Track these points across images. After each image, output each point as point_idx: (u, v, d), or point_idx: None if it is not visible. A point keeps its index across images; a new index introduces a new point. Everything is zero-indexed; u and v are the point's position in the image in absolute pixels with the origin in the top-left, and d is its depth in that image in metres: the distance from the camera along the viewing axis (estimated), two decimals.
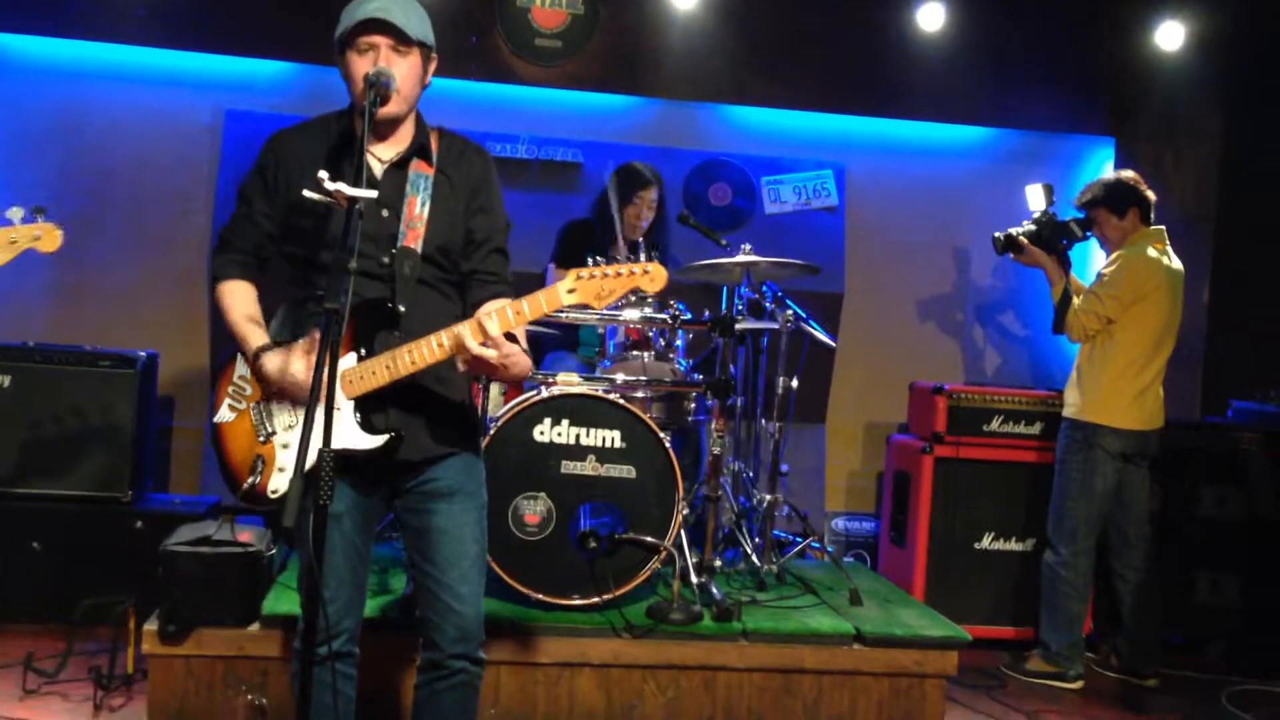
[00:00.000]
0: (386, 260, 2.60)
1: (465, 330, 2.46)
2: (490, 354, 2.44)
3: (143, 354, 4.60)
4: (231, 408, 2.72)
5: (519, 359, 2.52)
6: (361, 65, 2.56)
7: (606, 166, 5.07)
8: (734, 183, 5.68)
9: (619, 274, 2.45)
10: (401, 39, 2.60)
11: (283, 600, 3.78)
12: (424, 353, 2.51)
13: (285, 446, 2.66)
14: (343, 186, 2.41)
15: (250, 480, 2.66)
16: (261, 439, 2.68)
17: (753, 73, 5.62)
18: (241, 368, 2.72)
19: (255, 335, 2.67)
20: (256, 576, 3.76)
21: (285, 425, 2.66)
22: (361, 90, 2.53)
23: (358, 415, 2.58)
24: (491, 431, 3.93)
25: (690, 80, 5.57)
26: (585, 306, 2.47)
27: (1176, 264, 4.61)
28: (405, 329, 2.58)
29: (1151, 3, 5.58)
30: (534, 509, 3.93)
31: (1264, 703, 4.52)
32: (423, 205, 2.63)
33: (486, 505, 2.80)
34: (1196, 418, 5.68)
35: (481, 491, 2.79)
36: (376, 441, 2.58)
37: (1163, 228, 4.64)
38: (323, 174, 2.46)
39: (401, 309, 2.57)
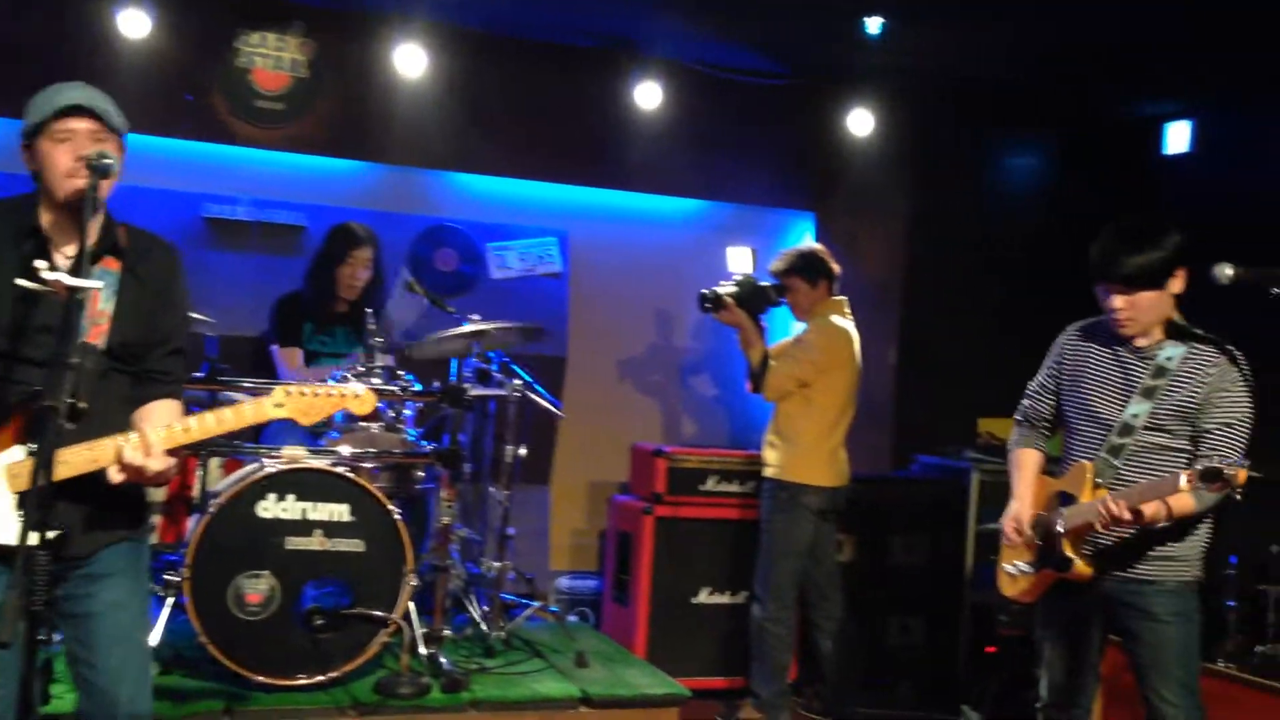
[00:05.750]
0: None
1: (126, 448, 2.42)
2: (153, 466, 2.43)
3: None
4: None
5: (171, 471, 2.52)
6: (59, 153, 2.52)
7: None
8: (460, 248, 5.75)
9: (329, 395, 2.54)
10: (105, 125, 2.57)
11: None
12: (77, 463, 2.44)
13: None
14: (63, 276, 2.37)
15: None
16: None
17: (479, 141, 5.71)
18: None
19: None
20: None
21: None
22: (62, 177, 2.51)
23: (21, 511, 2.41)
24: (211, 509, 3.83)
25: (416, 147, 5.60)
26: (292, 421, 2.52)
27: (855, 331, 5.03)
28: (85, 423, 2.45)
29: (844, 92, 6.07)
30: (256, 588, 3.85)
31: None
32: (107, 301, 2.59)
33: (149, 595, 2.77)
34: (886, 472, 6.19)
35: (145, 576, 2.74)
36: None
37: (845, 298, 5.06)
38: (40, 263, 2.43)
39: (82, 405, 2.42)
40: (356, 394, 2.57)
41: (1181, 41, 5.22)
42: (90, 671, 2.60)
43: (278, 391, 2.51)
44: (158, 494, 4.31)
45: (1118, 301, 3.14)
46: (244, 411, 2.49)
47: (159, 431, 2.45)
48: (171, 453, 2.47)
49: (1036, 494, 3.39)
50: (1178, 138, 6.35)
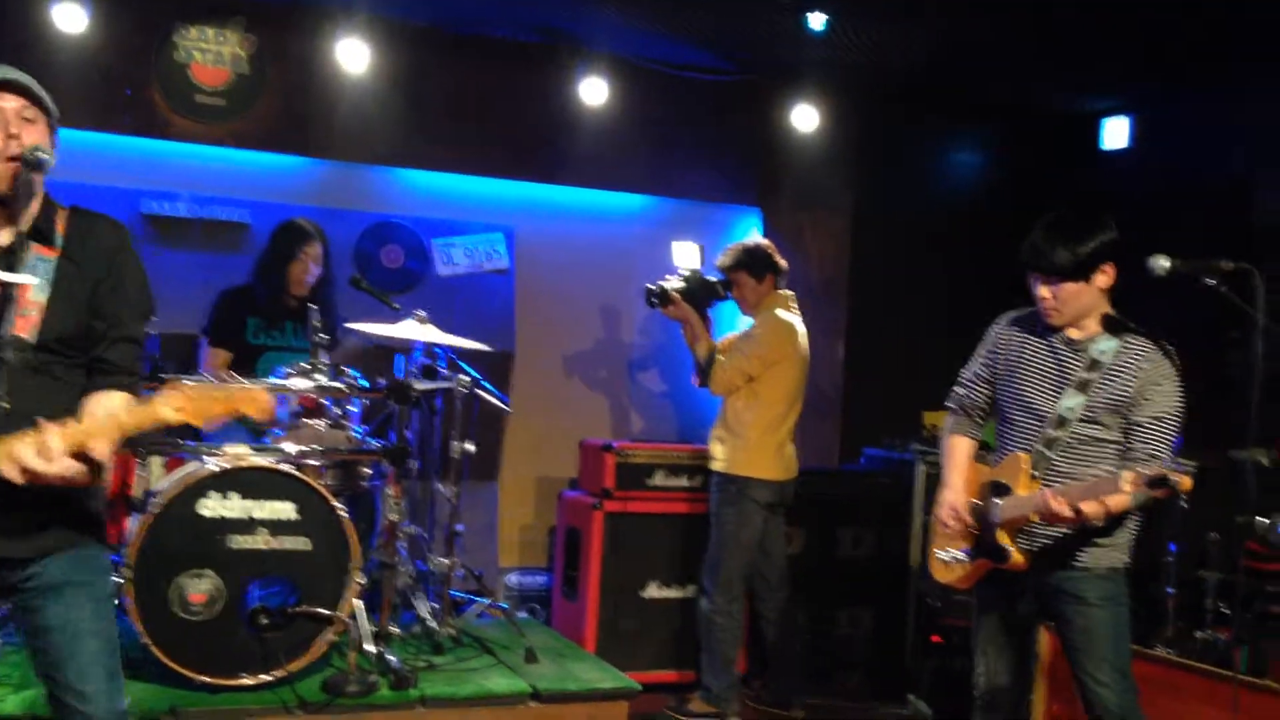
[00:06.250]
0: None
1: (23, 450, 2.29)
2: (51, 470, 2.30)
3: None
4: None
5: (81, 476, 2.35)
6: None
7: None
8: (406, 244, 5.72)
9: (223, 397, 2.38)
10: (32, 99, 2.49)
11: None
12: None
13: None
14: None
15: None
16: None
17: (424, 137, 5.68)
18: None
19: None
20: None
21: None
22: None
23: None
24: (152, 508, 3.78)
25: (361, 142, 5.56)
26: (192, 426, 2.41)
27: (803, 326, 5.07)
28: (10, 422, 2.36)
29: (788, 88, 6.10)
30: (199, 588, 3.80)
31: None
32: (41, 291, 2.46)
33: (110, 594, 2.67)
34: (835, 465, 6.24)
35: (100, 581, 2.63)
36: None
37: (791, 292, 5.09)
38: None
39: (6, 406, 2.35)
40: (250, 394, 2.39)
41: (1120, 38, 5.30)
42: (50, 684, 2.57)
43: (178, 395, 2.34)
44: None
45: (1043, 291, 3.21)
46: (144, 415, 2.35)
47: (58, 435, 2.30)
48: (80, 458, 2.33)
49: (969, 482, 3.43)
50: (1116, 133, 6.47)
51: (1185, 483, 2.83)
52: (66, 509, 2.56)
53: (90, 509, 2.64)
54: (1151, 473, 2.86)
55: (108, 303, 2.55)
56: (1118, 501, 3.03)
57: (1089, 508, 3.02)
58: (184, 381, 2.36)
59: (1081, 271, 3.15)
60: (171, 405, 2.34)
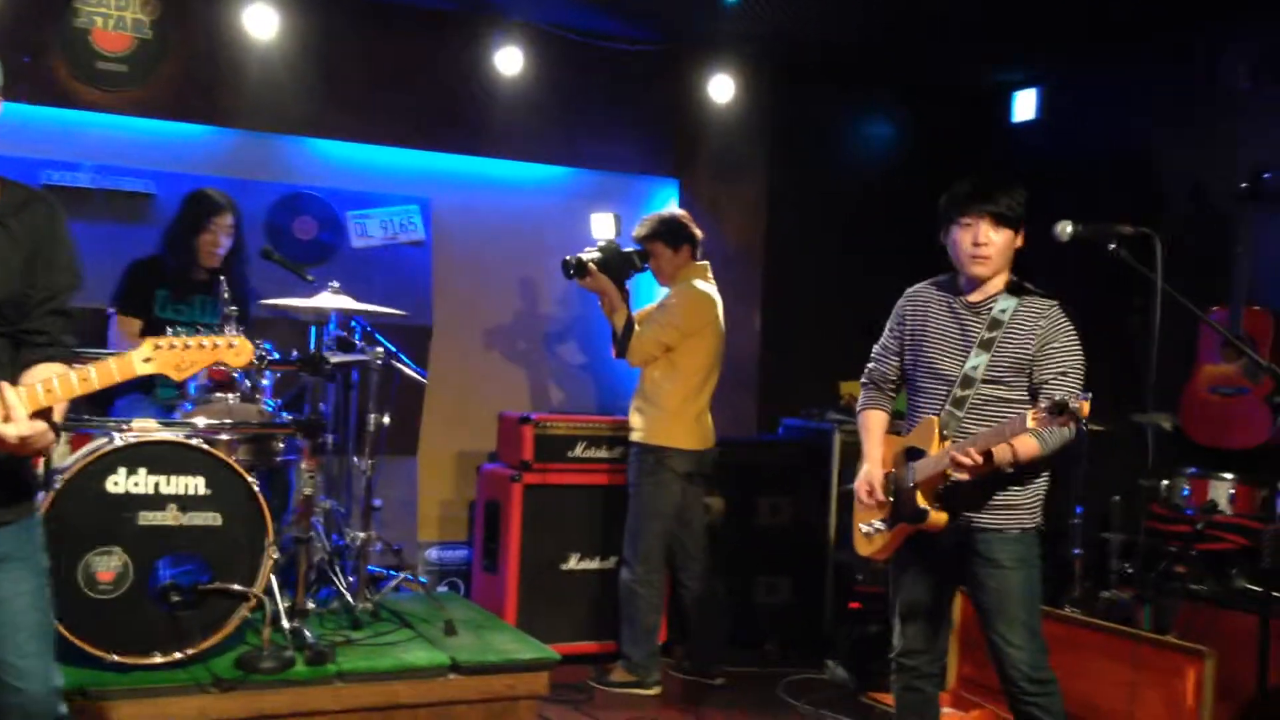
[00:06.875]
0: None
1: None
2: (12, 432, 2.28)
3: None
4: None
5: (42, 437, 2.36)
6: None
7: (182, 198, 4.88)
8: (319, 216, 5.62)
9: (201, 346, 2.40)
10: None
11: None
12: None
13: None
14: None
15: None
16: None
17: (336, 106, 5.58)
18: None
19: None
20: None
21: None
22: None
23: None
24: (57, 485, 3.68)
25: (270, 111, 5.44)
26: (164, 377, 2.41)
27: (719, 296, 5.09)
28: None
29: (705, 58, 6.12)
30: (108, 565, 3.71)
31: (813, 689, 5.09)
32: None
33: (47, 571, 2.62)
34: (753, 435, 6.29)
35: (38, 556, 2.60)
36: None
37: (707, 262, 5.11)
38: None
39: None
40: (231, 343, 2.43)
41: (1031, 8, 5.38)
42: None
43: (145, 345, 2.38)
44: None
45: (984, 234, 3.23)
46: (110, 368, 2.34)
47: (18, 392, 2.29)
48: (42, 417, 2.32)
49: (885, 454, 3.48)
50: (1025, 105, 6.59)
51: (1084, 407, 2.87)
52: (14, 477, 2.51)
53: (26, 480, 2.60)
54: (1050, 402, 2.90)
55: (40, 280, 2.53)
56: (1025, 445, 3.09)
57: (998, 451, 3.08)
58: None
59: (1017, 221, 3.24)
60: (142, 356, 2.37)
